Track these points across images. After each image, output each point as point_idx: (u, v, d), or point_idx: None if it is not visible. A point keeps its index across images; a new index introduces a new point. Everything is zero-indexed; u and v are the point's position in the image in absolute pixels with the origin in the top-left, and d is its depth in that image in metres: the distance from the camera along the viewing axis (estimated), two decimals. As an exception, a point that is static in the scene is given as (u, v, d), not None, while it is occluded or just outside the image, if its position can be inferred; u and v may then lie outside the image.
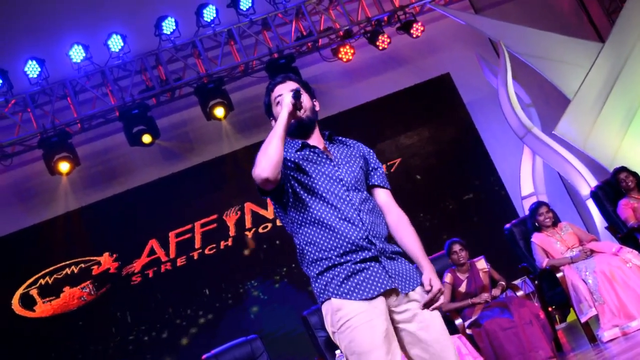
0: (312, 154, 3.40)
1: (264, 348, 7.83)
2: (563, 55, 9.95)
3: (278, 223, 9.91)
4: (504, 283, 7.47)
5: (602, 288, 6.95)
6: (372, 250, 3.27)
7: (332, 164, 3.39)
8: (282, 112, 3.31)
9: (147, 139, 9.30)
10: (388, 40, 10.22)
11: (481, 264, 7.48)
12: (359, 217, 3.30)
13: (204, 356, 7.73)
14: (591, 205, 9.02)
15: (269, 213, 9.87)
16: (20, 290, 9.22)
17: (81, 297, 9.34)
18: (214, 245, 9.78)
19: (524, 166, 10.21)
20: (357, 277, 3.24)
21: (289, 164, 3.37)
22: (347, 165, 3.43)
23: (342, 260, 3.26)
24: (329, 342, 7.54)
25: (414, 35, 10.35)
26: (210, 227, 9.80)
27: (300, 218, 3.37)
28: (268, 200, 3.50)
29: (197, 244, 9.73)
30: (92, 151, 9.74)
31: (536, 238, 7.55)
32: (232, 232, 9.83)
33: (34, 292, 9.23)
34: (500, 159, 10.79)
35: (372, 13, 10.30)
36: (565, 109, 9.53)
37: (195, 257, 9.71)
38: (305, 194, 3.35)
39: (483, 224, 10.31)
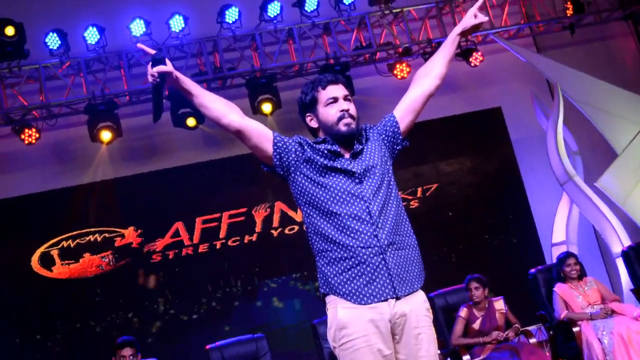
0: (325, 147, 3.44)
1: (268, 348, 7.85)
2: (617, 108, 9.82)
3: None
4: (519, 326, 7.42)
5: (616, 350, 6.86)
6: (376, 246, 3.29)
7: (343, 159, 3.42)
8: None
9: (191, 122, 9.35)
10: (445, 65, 10.14)
11: (499, 304, 7.43)
12: (367, 210, 3.31)
13: (207, 346, 7.77)
14: (620, 264, 8.91)
15: (298, 216, 9.87)
16: (41, 249, 9.31)
17: (99, 265, 9.41)
18: (238, 238, 9.80)
19: (559, 213, 10.10)
20: (361, 279, 3.27)
21: (305, 154, 3.43)
22: (361, 157, 3.45)
23: (347, 256, 3.29)
24: (333, 356, 7.52)
25: (472, 64, 10.28)
26: (237, 220, 9.82)
27: (309, 206, 3.43)
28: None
29: (222, 234, 9.75)
30: (135, 125, 9.80)
31: (559, 288, 7.48)
32: (258, 228, 9.84)
33: (54, 252, 9.31)
34: (537, 202, 10.69)
35: (434, 35, 10.24)
36: (611, 163, 9.43)
37: (218, 247, 9.73)
38: (314, 186, 3.40)
39: (509, 264, 10.19)
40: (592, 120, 9.74)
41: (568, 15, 10.69)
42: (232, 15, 9.54)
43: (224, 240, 9.76)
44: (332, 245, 3.33)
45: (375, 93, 10.48)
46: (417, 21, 10.39)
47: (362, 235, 3.28)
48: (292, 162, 3.45)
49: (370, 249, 3.28)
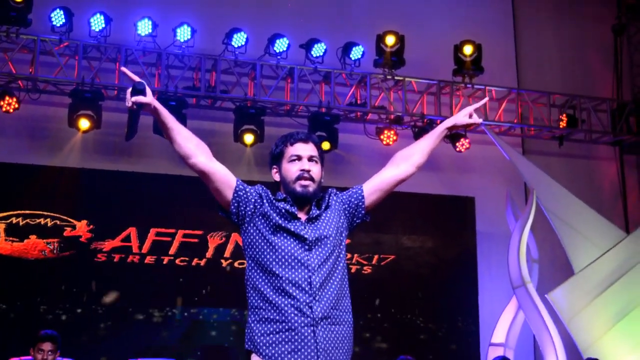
0: (283, 206, 3.39)
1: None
2: (585, 228, 9.92)
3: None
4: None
5: None
6: (309, 317, 3.22)
7: (298, 223, 3.36)
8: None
9: (171, 133, 9.26)
10: (431, 143, 10.19)
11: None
12: (308, 280, 3.25)
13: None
14: (552, 380, 8.92)
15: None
16: (-11, 219, 9.14)
17: (43, 251, 9.22)
18: (187, 259, 9.66)
19: (505, 315, 10.10)
20: (286, 346, 3.20)
21: (262, 208, 3.38)
22: (316, 223, 3.38)
23: (278, 319, 3.23)
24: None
25: (458, 149, 10.35)
26: (191, 240, 9.70)
27: (253, 261, 3.38)
28: None
29: (172, 251, 9.62)
30: (116, 121, 9.67)
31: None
32: (209, 254, 9.72)
33: (1, 225, 9.11)
34: (486, 297, 10.70)
35: (429, 111, 10.32)
36: (567, 279, 9.50)
37: (165, 262, 9.58)
38: (263, 243, 3.35)
39: (444, 353, 10.19)
40: (558, 234, 9.81)
41: (560, 126, 10.85)
42: (239, 40, 9.54)
43: (172, 257, 9.61)
44: (266, 304, 3.28)
45: (357, 151, 10.50)
46: (416, 93, 10.47)
47: (297, 303, 3.23)
48: (249, 213, 3.41)
49: (302, 319, 3.22)
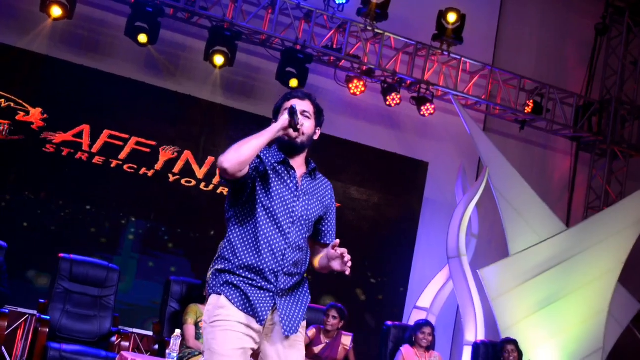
0: (285, 173, 3.54)
1: (116, 282, 7.72)
2: (528, 214, 10.09)
3: (202, 187, 9.80)
4: (354, 368, 7.49)
5: None
6: (273, 285, 3.43)
7: (295, 193, 3.53)
8: (277, 124, 3.43)
9: (143, 38, 9.12)
10: (398, 102, 10.23)
11: (347, 339, 7.50)
12: (282, 252, 3.44)
13: (60, 254, 7.60)
14: (467, 353, 9.14)
15: (200, 173, 9.78)
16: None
17: (-8, 130, 9.07)
18: (135, 167, 9.59)
19: (434, 282, 10.28)
20: (251, 294, 3.40)
21: (261, 167, 3.49)
22: (307, 202, 3.56)
23: (244, 275, 3.42)
24: (174, 316, 7.46)
25: (422, 113, 10.37)
26: (142, 149, 9.61)
27: (240, 219, 3.51)
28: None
29: (122, 156, 9.53)
30: (89, 16, 9.52)
31: (405, 349, 7.60)
32: (157, 167, 9.65)
33: (-46, 97, 8.94)
34: (419, 262, 10.87)
35: (401, 70, 10.32)
36: (500, 260, 9.69)
37: (112, 165, 9.49)
38: (257, 204, 3.47)
39: (370, 307, 10.35)
40: (501, 214, 9.97)
41: (525, 111, 10.95)
42: (227, -41, 9.38)
43: (120, 162, 9.53)
44: (236, 259, 3.44)
45: (322, 95, 10.46)
46: (392, 50, 10.44)
47: (266, 267, 3.42)
48: (250, 173, 3.43)
49: (266, 283, 3.42)
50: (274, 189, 3.49)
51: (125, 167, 9.55)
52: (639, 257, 10.27)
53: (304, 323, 3.54)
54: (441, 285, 10.23)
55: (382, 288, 10.73)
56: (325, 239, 3.71)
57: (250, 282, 3.40)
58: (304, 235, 3.55)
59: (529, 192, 10.15)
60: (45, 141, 9.22)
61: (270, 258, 3.42)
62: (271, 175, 3.49)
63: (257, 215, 3.45)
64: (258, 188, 3.47)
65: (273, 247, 3.43)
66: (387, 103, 10.29)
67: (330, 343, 7.42)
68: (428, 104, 10.36)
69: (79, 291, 7.55)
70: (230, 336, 3.35)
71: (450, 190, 10.52)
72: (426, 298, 10.24)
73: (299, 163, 3.61)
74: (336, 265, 3.45)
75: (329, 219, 3.72)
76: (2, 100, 9.07)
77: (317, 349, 7.38)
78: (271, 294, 3.43)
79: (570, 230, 10.09)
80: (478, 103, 10.92)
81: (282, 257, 3.44)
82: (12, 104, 9.11)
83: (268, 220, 3.45)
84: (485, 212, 10.44)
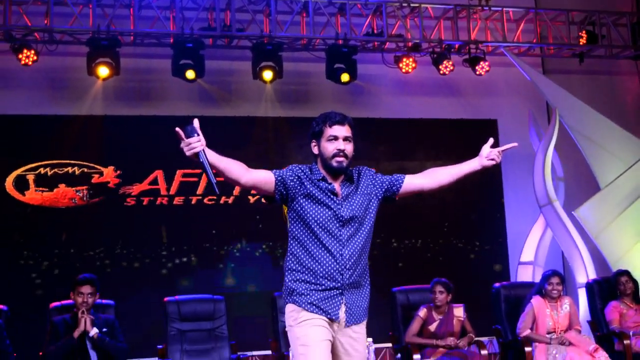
0: (325, 186, 4.00)
1: (225, 311, 7.86)
2: (610, 144, 9.90)
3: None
4: (473, 336, 7.47)
5: (563, 380, 6.95)
6: (339, 282, 3.92)
7: (336, 200, 3.99)
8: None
9: (190, 74, 9.29)
10: (451, 68, 10.16)
11: (459, 311, 7.47)
12: (339, 252, 3.92)
13: (165, 299, 7.78)
14: (582, 295, 9.01)
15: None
16: (18, 171, 9.27)
17: (73, 199, 9.38)
18: (215, 198, 9.79)
19: (532, 234, 10.18)
20: (321, 297, 3.90)
21: (302, 187, 3.99)
22: (350, 204, 4.00)
23: (313, 281, 3.92)
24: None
25: (477, 72, 10.28)
26: (218, 179, 9.76)
27: (296, 233, 4.02)
28: None
29: (200, 190, 9.75)
30: (134, 67, 9.75)
31: (536, 301, 7.47)
32: (236, 192, 9.83)
33: (30, 177, 9.27)
34: (513, 219, 10.77)
35: (446, 36, 10.24)
36: (593, 195, 9.52)
37: (193, 202, 9.72)
38: (307, 218, 3.95)
39: (475, 273, 10.30)
40: (582, 151, 9.81)
41: (580, 43, 10.71)
42: (252, -24, 9.48)
43: (200, 197, 9.75)
44: (303, 268, 3.95)
45: (376, 81, 10.51)
46: (432, 19, 10.37)
47: (330, 270, 3.92)
48: (291, 195, 3.99)
49: (333, 283, 3.93)
50: (318, 202, 3.96)
51: (205, 200, 9.75)
52: None
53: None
54: (540, 236, 10.12)
55: (481, 252, 10.66)
56: (400, 182, 4.17)
57: (316, 287, 3.90)
58: (361, 232, 3.99)
59: (604, 121, 9.97)
60: (124, 196, 9.50)
61: (330, 260, 3.90)
62: (313, 192, 3.98)
63: (310, 227, 3.93)
64: (304, 204, 3.96)
65: (330, 249, 3.90)
66: (442, 72, 10.23)
67: (444, 318, 7.42)
68: (482, 63, 10.25)
69: (191, 329, 7.70)
70: (318, 330, 3.86)
71: (525, 142, 10.37)
72: (528, 252, 10.14)
73: (340, 180, 4.07)
74: (494, 155, 4.41)
75: (386, 180, 4.18)
76: (75, 168, 9.37)
77: (432, 327, 7.39)
78: (339, 290, 3.92)
79: (657, 147, 9.86)
80: (531, 48, 10.75)
81: (340, 256, 3.91)
82: (85, 169, 9.41)
83: (319, 229, 3.92)
84: (565, 153, 10.26)
